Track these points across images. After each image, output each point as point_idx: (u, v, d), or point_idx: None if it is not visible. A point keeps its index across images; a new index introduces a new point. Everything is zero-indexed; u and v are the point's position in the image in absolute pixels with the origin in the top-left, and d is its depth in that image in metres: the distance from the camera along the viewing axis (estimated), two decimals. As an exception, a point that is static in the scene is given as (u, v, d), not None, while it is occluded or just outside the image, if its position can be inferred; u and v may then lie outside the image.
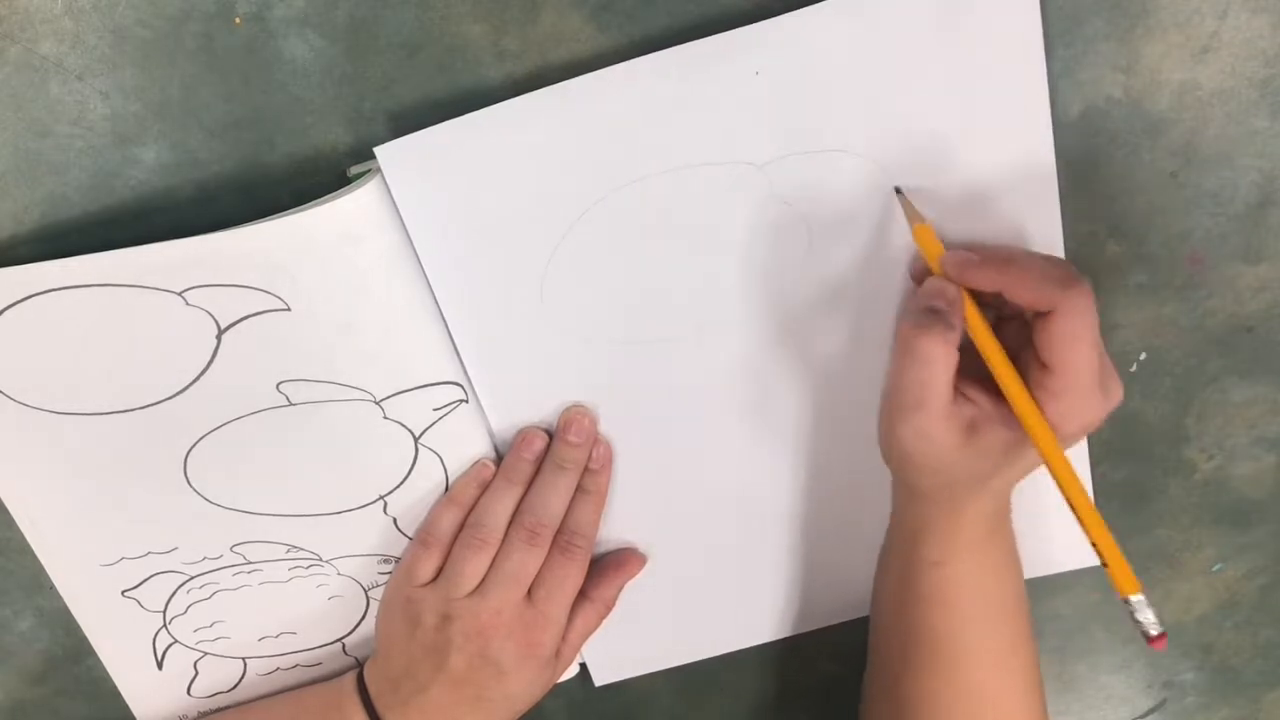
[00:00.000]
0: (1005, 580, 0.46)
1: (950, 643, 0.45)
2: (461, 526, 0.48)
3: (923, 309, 0.41)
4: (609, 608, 0.50)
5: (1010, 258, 0.40)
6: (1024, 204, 0.44)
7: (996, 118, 0.42)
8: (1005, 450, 0.41)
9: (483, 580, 0.46)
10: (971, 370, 0.41)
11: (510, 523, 0.47)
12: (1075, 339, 0.38)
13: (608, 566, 0.50)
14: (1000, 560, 0.46)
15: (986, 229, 0.44)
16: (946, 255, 0.41)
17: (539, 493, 0.47)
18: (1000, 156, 0.43)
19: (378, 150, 0.41)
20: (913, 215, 0.43)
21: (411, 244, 0.43)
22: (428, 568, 0.47)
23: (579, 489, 0.48)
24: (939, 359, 0.40)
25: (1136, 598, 0.38)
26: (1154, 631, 0.37)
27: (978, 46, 0.41)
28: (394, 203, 0.42)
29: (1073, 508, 0.39)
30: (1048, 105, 0.42)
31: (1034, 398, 0.39)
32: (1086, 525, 0.39)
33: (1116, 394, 0.41)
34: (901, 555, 0.46)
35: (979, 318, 0.41)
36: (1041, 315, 0.38)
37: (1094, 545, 0.39)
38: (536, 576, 0.47)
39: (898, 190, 0.43)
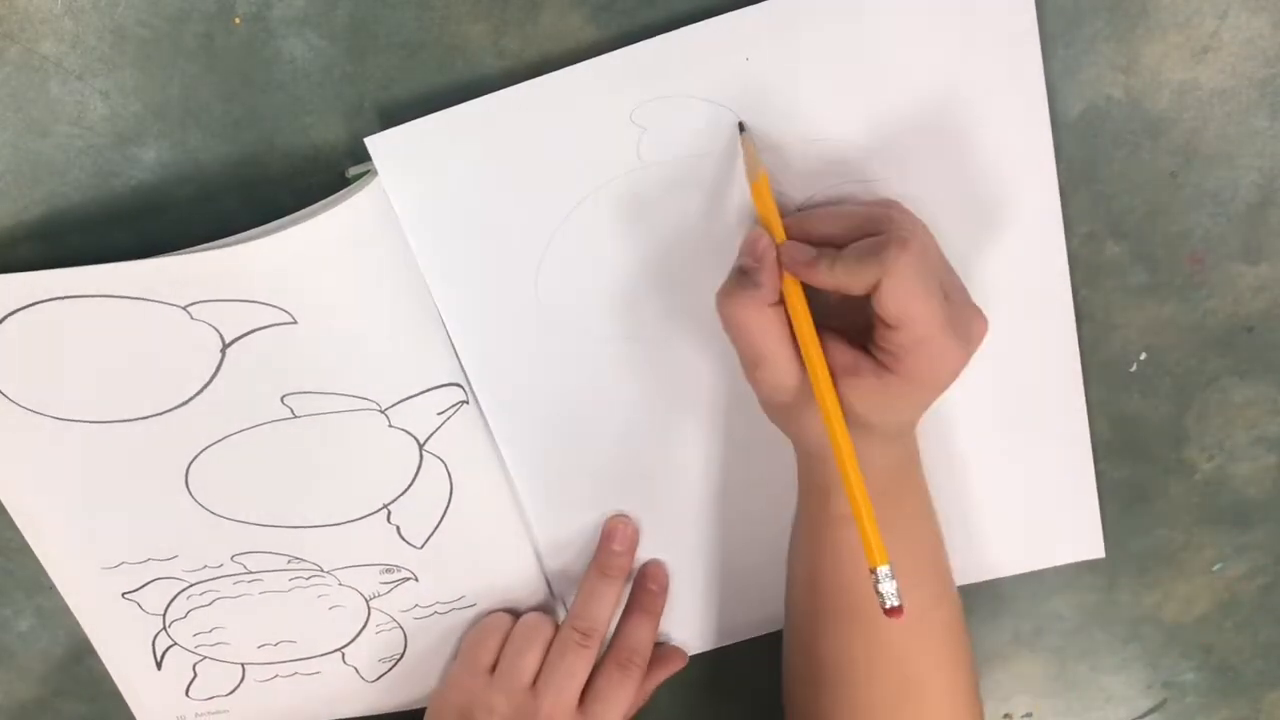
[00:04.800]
0: (918, 534, 0.45)
1: (865, 600, 0.43)
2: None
3: (735, 267, 0.41)
4: (647, 699, 0.51)
5: (835, 258, 0.38)
6: (1024, 200, 0.44)
7: (993, 112, 0.42)
8: (872, 393, 0.39)
9: (536, 680, 0.47)
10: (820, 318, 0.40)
11: (561, 625, 0.49)
12: (905, 297, 0.37)
13: (653, 662, 0.51)
14: (912, 512, 0.44)
15: (985, 222, 0.44)
16: (785, 246, 0.40)
17: (588, 599, 0.49)
18: (999, 152, 0.43)
19: (369, 141, 0.41)
20: (754, 163, 0.41)
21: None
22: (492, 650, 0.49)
23: (639, 609, 0.50)
24: (750, 322, 0.39)
25: (882, 569, 0.38)
26: (890, 604, 0.38)
27: (973, 43, 0.41)
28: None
29: (846, 482, 0.39)
30: (1045, 102, 0.42)
31: (883, 354, 0.38)
32: (851, 497, 0.39)
33: (978, 332, 0.40)
34: (810, 512, 0.45)
35: (791, 280, 0.40)
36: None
37: (856, 516, 0.39)
38: (593, 689, 0.48)
39: (741, 127, 0.41)
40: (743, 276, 0.40)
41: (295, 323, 0.42)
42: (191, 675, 0.53)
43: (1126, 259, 0.46)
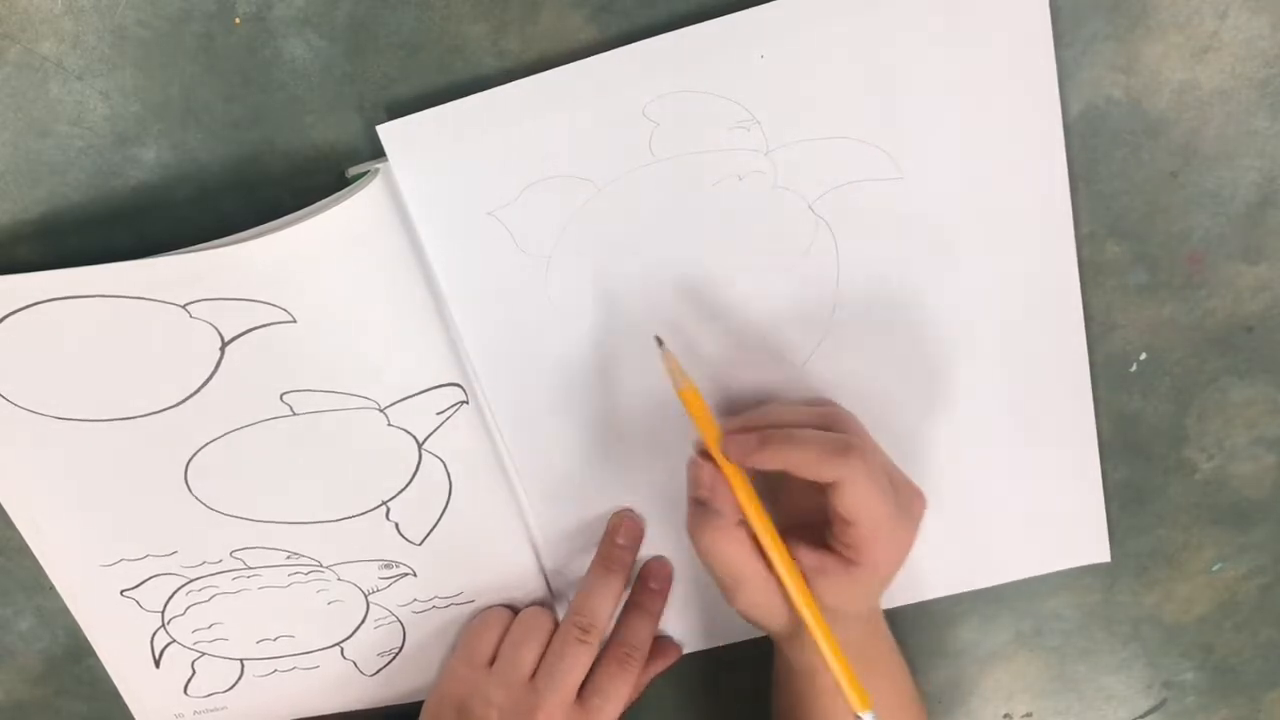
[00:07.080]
0: (894, 685, 0.48)
1: None
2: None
3: (691, 499, 0.43)
4: (639, 693, 0.51)
5: (788, 438, 0.41)
6: (1034, 199, 0.44)
7: (1005, 110, 0.42)
8: (841, 587, 0.42)
9: (535, 674, 0.47)
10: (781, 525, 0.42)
11: (562, 620, 0.49)
12: (863, 499, 0.40)
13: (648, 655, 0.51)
14: (886, 668, 0.47)
15: (994, 221, 0.44)
16: (725, 441, 0.42)
17: (590, 594, 0.49)
18: (1010, 150, 0.43)
19: (381, 129, 0.41)
20: (677, 376, 0.43)
21: (413, 244, 0.43)
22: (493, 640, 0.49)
23: (640, 606, 0.50)
24: (721, 549, 0.42)
25: (866, 715, 0.41)
26: None
27: (986, 42, 0.41)
28: (394, 200, 0.42)
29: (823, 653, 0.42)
30: (1057, 102, 0.42)
31: (844, 547, 0.41)
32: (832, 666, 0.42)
33: (919, 510, 0.43)
34: (798, 689, 0.47)
35: (747, 491, 0.42)
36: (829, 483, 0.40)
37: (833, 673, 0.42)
38: (592, 684, 0.47)
39: (659, 341, 0.44)
40: (701, 506, 0.42)
41: (294, 321, 0.42)
42: (190, 673, 0.53)
43: (1126, 259, 0.46)
